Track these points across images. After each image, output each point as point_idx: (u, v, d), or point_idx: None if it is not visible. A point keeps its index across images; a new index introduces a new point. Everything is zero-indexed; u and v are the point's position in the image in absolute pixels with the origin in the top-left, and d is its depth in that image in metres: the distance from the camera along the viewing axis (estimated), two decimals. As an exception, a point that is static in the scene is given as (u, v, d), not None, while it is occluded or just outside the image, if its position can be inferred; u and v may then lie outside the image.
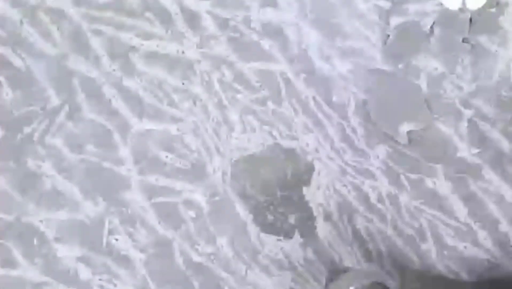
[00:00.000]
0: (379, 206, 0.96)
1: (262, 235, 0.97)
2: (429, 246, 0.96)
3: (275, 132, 0.97)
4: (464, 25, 0.94)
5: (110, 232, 0.97)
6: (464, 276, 0.95)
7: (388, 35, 0.94)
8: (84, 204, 0.97)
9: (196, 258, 0.97)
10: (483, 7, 0.94)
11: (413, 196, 0.96)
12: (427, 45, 0.95)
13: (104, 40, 0.97)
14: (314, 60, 0.96)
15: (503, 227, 0.94)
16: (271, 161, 0.97)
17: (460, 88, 0.95)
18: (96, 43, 0.97)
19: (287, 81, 0.97)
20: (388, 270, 0.96)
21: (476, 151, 0.94)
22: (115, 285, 0.97)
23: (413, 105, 0.95)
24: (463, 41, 0.94)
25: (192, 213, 0.97)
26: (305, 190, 0.97)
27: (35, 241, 0.98)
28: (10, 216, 0.98)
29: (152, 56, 0.97)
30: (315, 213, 0.97)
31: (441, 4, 0.94)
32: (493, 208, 0.94)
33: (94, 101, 0.97)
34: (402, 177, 0.96)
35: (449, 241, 0.95)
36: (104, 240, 0.97)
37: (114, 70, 0.97)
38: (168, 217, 0.97)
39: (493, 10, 0.95)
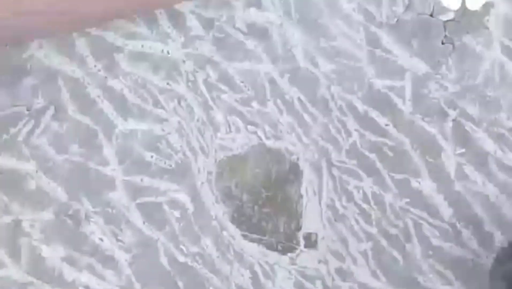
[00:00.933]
0: (364, 206, 0.96)
1: (247, 234, 0.97)
2: (413, 246, 0.96)
3: (260, 133, 0.97)
4: (439, 28, 0.94)
5: (95, 232, 0.97)
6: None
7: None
8: (69, 204, 0.97)
9: (181, 258, 0.97)
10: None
11: (398, 196, 0.96)
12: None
13: (89, 40, 0.97)
14: (298, 60, 0.96)
15: (488, 227, 0.94)
16: (256, 161, 0.97)
17: (445, 88, 0.95)
18: (80, 43, 0.97)
19: (272, 81, 0.97)
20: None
21: (460, 150, 0.94)
22: (100, 285, 0.97)
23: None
24: (442, 43, 0.94)
25: (176, 213, 0.97)
26: (290, 189, 0.97)
27: (20, 241, 0.97)
28: (-5, 216, 0.98)
29: (137, 57, 0.97)
30: (300, 213, 0.97)
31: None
32: (477, 208, 0.94)
33: (79, 101, 0.97)
34: (387, 177, 0.96)
35: (434, 241, 0.95)
36: (89, 240, 0.97)
37: (99, 70, 0.97)
38: (152, 217, 0.97)
39: (478, 10, 0.94)
